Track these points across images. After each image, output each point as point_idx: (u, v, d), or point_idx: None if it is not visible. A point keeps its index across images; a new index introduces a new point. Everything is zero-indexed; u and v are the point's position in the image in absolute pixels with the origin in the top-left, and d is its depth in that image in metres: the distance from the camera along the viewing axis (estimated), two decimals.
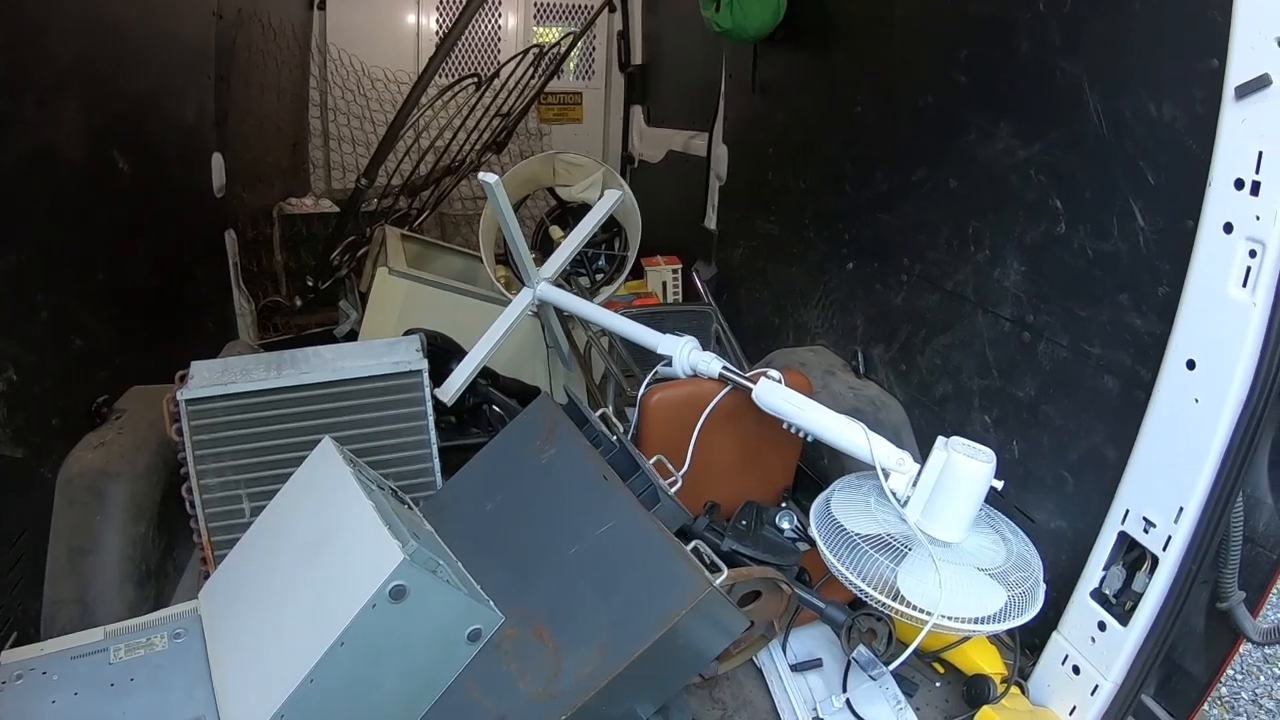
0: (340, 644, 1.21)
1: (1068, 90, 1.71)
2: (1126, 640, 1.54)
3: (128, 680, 1.41)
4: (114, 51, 2.36)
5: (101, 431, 1.95)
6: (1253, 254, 1.31)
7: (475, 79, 3.85)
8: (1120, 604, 1.59)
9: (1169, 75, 1.49)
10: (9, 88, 1.82)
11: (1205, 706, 1.63)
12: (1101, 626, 1.60)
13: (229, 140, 3.30)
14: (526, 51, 4.01)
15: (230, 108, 3.37)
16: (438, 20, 4.74)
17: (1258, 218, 1.29)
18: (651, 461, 1.65)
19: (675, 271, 3.59)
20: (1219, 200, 1.36)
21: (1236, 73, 1.30)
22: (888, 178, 2.31)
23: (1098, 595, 1.63)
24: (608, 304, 2.76)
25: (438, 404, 2.10)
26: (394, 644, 1.25)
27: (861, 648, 1.58)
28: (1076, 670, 1.65)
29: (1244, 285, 1.32)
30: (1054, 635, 1.70)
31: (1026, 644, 1.77)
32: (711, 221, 3.53)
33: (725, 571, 1.31)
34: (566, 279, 3.40)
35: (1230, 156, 1.33)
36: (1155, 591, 1.50)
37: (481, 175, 2.11)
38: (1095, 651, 1.61)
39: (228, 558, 1.60)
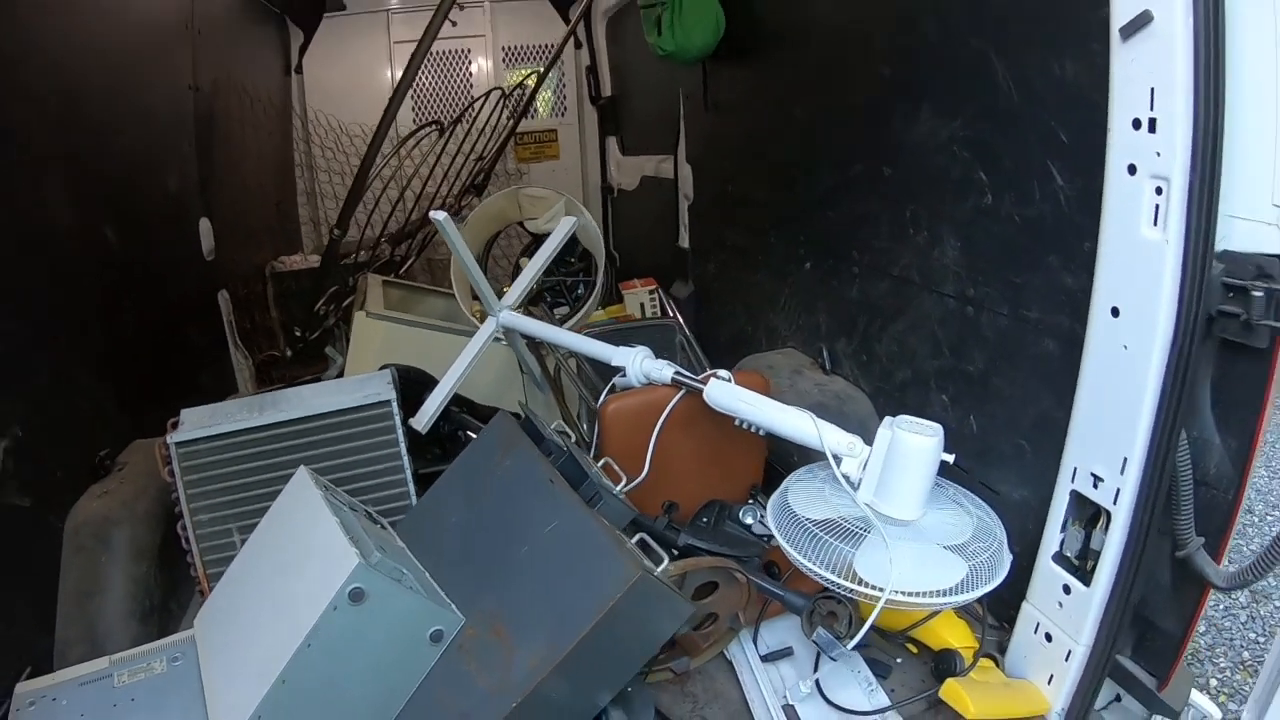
0: (308, 645, 1.34)
1: (976, 63, 1.79)
2: (1092, 600, 1.56)
3: (129, 701, 1.56)
4: (94, 130, 2.55)
5: (105, 482, 2.12)
6: (1159, 190, 1.33)
7: (437, 125, 4.00)
8: (1082, 564, 1.61)
9: (1066, 32, 1.55)
10: (2, 178, 1.98)
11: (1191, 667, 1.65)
12: (1067, 590, 1.62)
13: (215, 205, 3.49)
14: (488, 94, 4.17)
15: (213, 174, 3.56)
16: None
17: (1158, 154, 1.32)
18: (599, 464, 1.74)
19: (652, 292, 3.72)
20: (1120, 143, 1.38)
21: (1119, 13, 1.34)
22: (830, 175, 2.44)
23: (1059, 558, 1.65)
24: (583, 328, 2.87)
25: (422, 434, 2.26)
26: (358, 644, 1.37)
27: (821, 630, 1.65)
28: (1049, 638, 1.66)
29: (1154, 224, 1.34)
30: (1023, 605, 1.72)
31: (1004, 618, 1.81)
32: (685, 240, 3.66)
33: (666, 560, 1.40)
34: (551, 308, 3.53)
35: (1125, 98, 1.36)
36: (1112, 547, 1.51)
37: (431, 213, 2.24)
38: (1064, 616, 1.63)
39: (217, 585, 1.75)
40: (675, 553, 1.74)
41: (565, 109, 5.14)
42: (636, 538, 1.44)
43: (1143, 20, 1.29)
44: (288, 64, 5.02)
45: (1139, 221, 1.37)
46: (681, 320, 2.69)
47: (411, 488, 2.08)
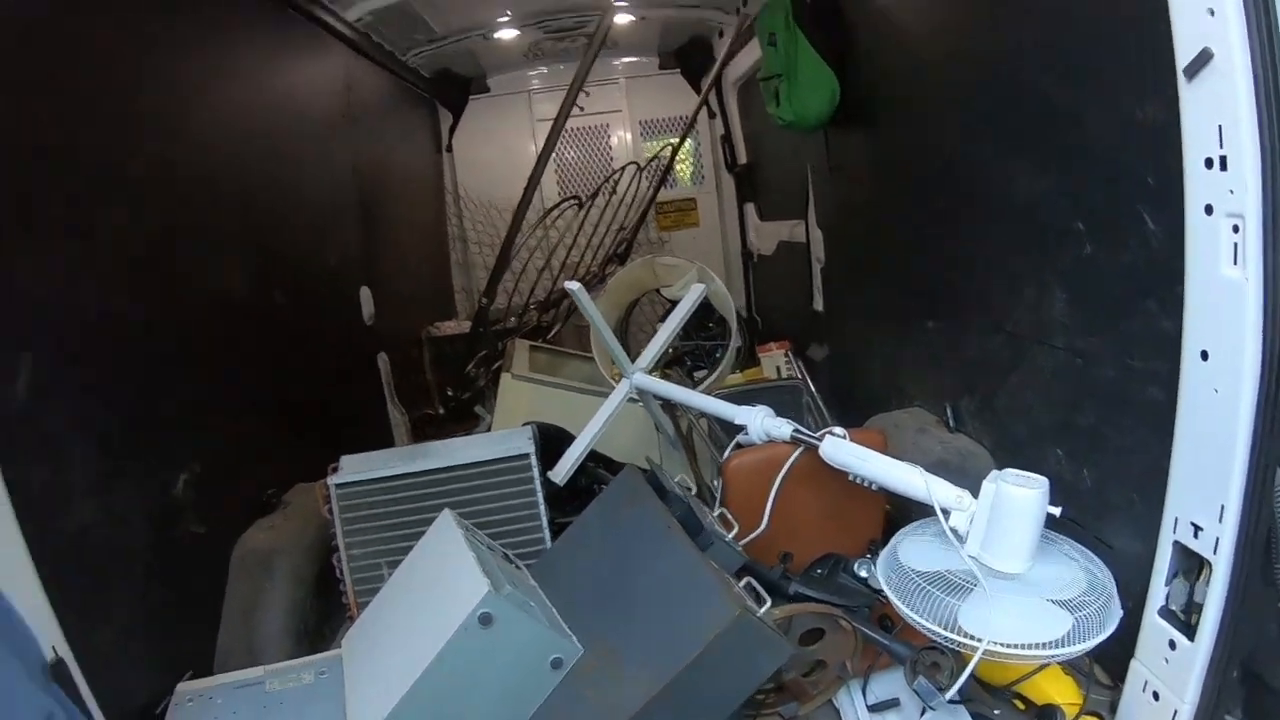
0: (439, 661, 1.50)
1: (1070, 115, 1.83)
2: (1196, 656, 1.50)
3: (278, 704, 1.78)
4: (269, 209, 2.93)
5: (271, 517, 2.41)
6: (1235, 229, 1.32)
7: (576, 200, 4.27)
8: (1187, 619, 1.56)
9: (1147, 78, 1.55)
10: (193, 249, 2.36)
11: None
12: (1172, 645, 1.58)
13: (375, 275, 3.85)
14: (623, 169, 4.41)
15: (373, 247, 3.95)
16: (555, 155, 5.27)
17: (1231, 192, 1.31)
18: (715, 514, 1.86)
19: (787, 355, 3.81)
20: (1196, 183, 1.38)
21: (1182, 53, 1.35)
22: (943, 233, 2.50)
23: (1164, 613, 1.60)
24: (716, 390, 3.01)
25: (560, 486, 2.43)
26: (484, 665, 1.52)
27: (922, 680, 1.68)
28: (1156, 696, 1.62)
29: (1234, 263, 1.33)
30: (1132, 662, 1.69)
31: (1118, 676, 1.77)
32: (819, 304, 3.75)
33: (768, 603, 1.50)
34: (690, 372, 3.69)
35: (1196, 137, 1.36)
36: (1214, 599, 1.46)
37: (566, 284, 2.45)
38: (1169, 673, 1.59)
39: (364, 611, 1.95)
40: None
41: (703, 177, 5.38)
42: (744, 581, 1.54)
43: (1204, 58, 1.31)
44: (439, 143, 5.49)
45: (1219, 261, 1.36)
46: (810, 381, 2.78)
47: (547, 534, 2.24)
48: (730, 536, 1.77)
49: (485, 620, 1.49)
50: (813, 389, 2.70)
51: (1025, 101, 2.02)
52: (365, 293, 3.73)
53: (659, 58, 5.45)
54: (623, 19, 4.71)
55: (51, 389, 1.77)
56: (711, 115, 5.18)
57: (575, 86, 3.64)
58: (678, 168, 5.35)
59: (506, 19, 4.63)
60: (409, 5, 4.03)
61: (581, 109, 4.25)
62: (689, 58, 5.28)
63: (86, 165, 1.96)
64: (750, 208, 5.05)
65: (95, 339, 1.96)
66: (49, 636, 1.54)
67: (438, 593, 1.65)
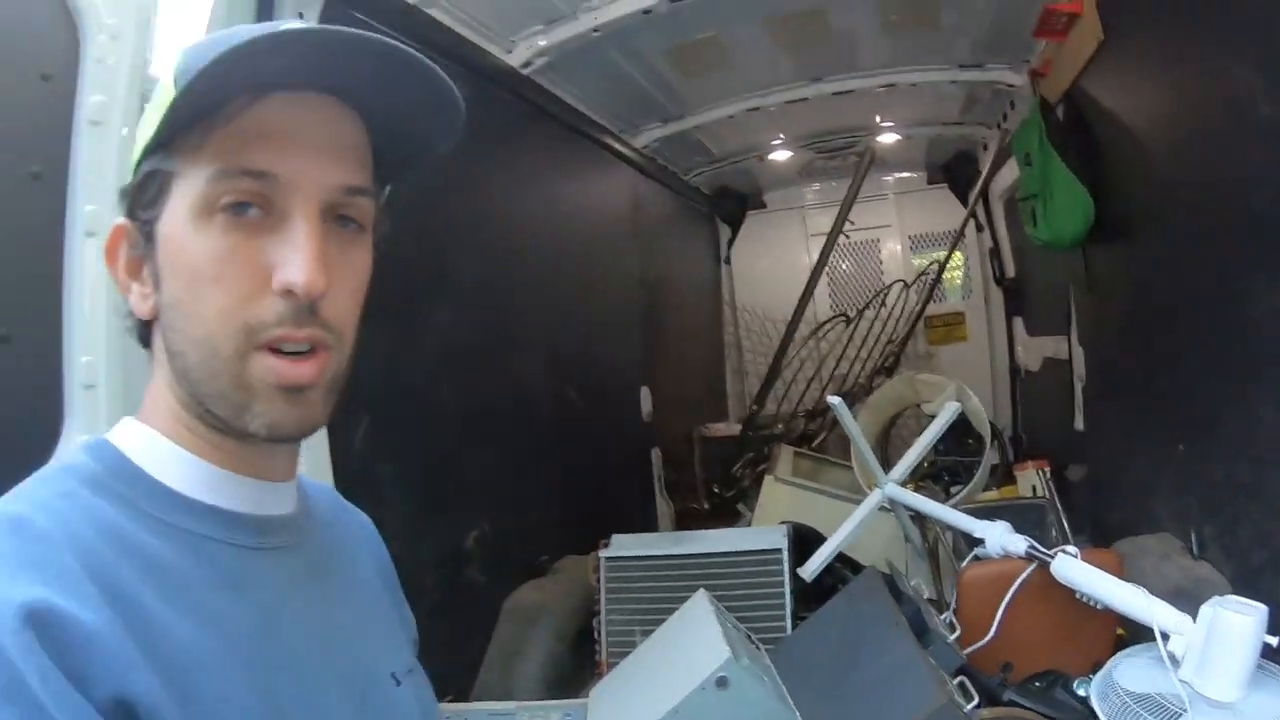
0: (674, 713, 1.78)
1: None
2: None
3: None
4: (564, 315, 3.53)
5: (541, 580, 2.88)
6: None
7: (844, 317, 4.58)
8: None
9: None
10: (500, 344, 2.92)
11: None
12: None
13: (654, 377, 4.36)
14: (890, 286, 4.68)
15: (654, 351, 4.48)
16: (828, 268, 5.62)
17: None
18: (942, 617, 2.08)
19: (1043, 473, 3.85)
20: None
21: None
22: (1195, 356, 2.53)
23: None
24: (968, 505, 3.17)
25: (808, 582, 2.68)
26: None
27: None
28: None
29: None
30: None
31: None
32: (1079, 423, 3.77)
33: (977, 699, 1.71)
34: (948, 486, 3.85)
35: None
36: None
37: (828, 398, 2.76)
38: None
39: (614, 668, 2.28)
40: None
41: (971, 291, 5.48)
42: (958, 680, 1.75)
43: None
44: (718, 256, 6.00)
45: None
46: (1057, 500, 2.88)
47: (789, 624, 2.49)
48: (952, 639, 1.98)
49: (722, 683, 1.76)
50: (1059, 508, 2.80)
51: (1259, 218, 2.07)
52: (645, 392, 4.24)
53: (926, 172, 5.69)
54: (889, 139, 5.03)
55: (380, 444, 2.34)
56: (979, 229, 5.29)
57: (843, 212, 4.00)
58: (946, 281, 5.51)
59: (780, 141, 5.11)
60: (690, 133, 4.57)
61: (853, 223, 4.60)
62: (956, 172, 5.44)
63: (422, 272, 2.58)
64: (1018, 322, 5.07)
65: (416, 411, 2.56)
66: None
67: (682, 656, 1.94)
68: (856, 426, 2.83)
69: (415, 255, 2.52)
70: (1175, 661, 1.72)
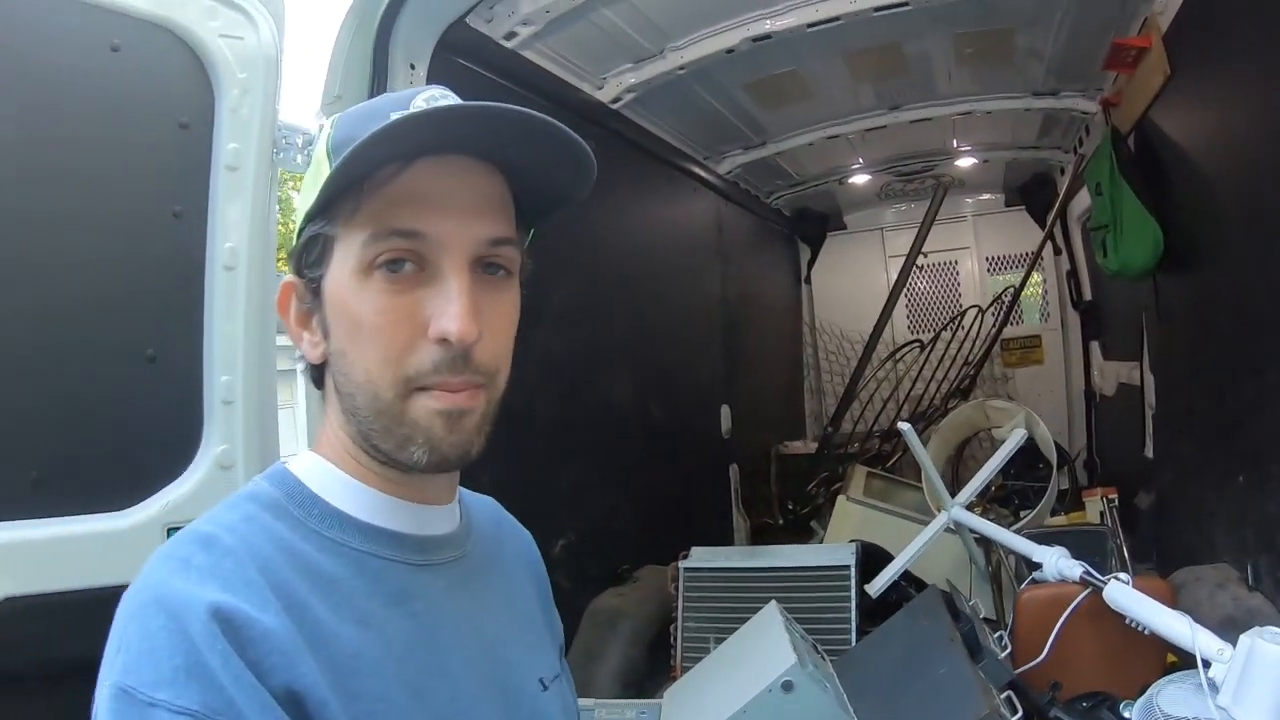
0: (743, 712, 1.99)
1: None
2: None
3: None
4: (652, 337, 3.77)
5: (621, 587, 3.13)
6: None
7: (918, 344, 4.70)
8: None
9: None
10: (589, 363, 3.16)
11: None
12: None
13: (734, 395, 4.56)
14: (964, 312, 4.78)
15: (735, 370, 4.68)
16: (906, 285, 5.70)
17: None
18: (995, 635, 2.22)
19: (1111, 501, 3.91)
20: None
21: None
22: (1257, 388, 2.58)
23: None
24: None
25: (873, 598, 2.87)
26: None
27: None
28: None
29: None
30: None
31: None
32: (1149, 450, 3.83)
33: (1021, 713, 1.86)
34: (1017, 510, 3.94)
35: None
36: None
37: (899, 424, 2.93)
38: None
39: (689, 672, 2.50)
40: None
41: (1048, 314, 5.52)
42: (1005, 695, 1.91)
43: None
44: (798, 276, 6.14)
45: None
46: (1119, 528, 2.98)
47: (853, 637, 2.67)
48: (1003, 655, 2.13)
49: (788, 687, 1.96)
50: (1119, 536, 2.90)
51: None
52: (725, 410, 4.44)
53: (1005, 195, 5.75)
54: (966, 162, 5.14)
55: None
56: (1057, 252, 5.33)
57: (919, 241, 4.12)
58: (1024, 303, 5.54)
59: (859, 165, 5.27)
60: (771, 158, 4.77)
61: (925, 255, 4.71)
62: (1033, 194, 5.48)
63: (526, 298, 2.81)
64: (1095, 346, 5.09)
65: (512, 423, 2.78)
66: None
67: (752, 661, 2.14)
68: (925, 452, 2.99)
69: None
70: (1215, 688, 1.80)
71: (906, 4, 2.97)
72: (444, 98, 0.80)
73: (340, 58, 2.20)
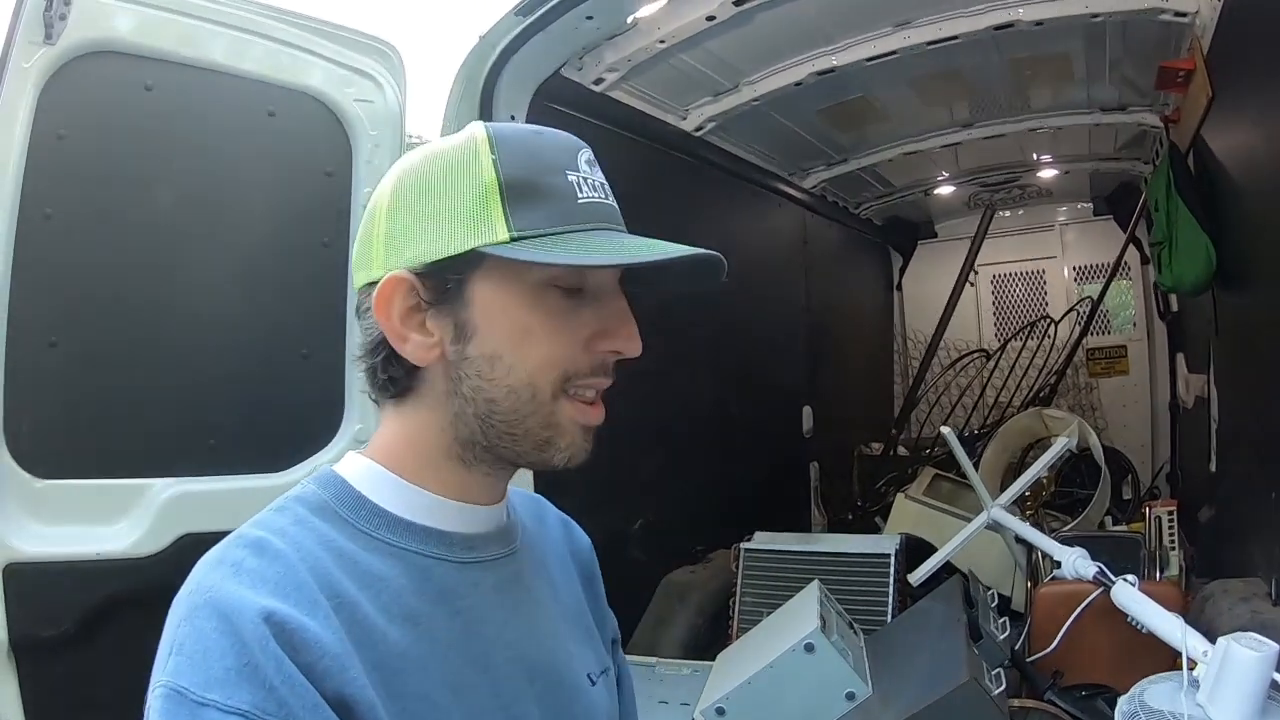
0: (770, 667, 2.35)
1: None
2: None
3: (659, 680, 2.80)
4: (734, 339, 4.08)
5: (694, 566, 3.53)
6: None
7: (983, 353, 4.91)
8: None
9: None
10: (670, 361, 3.49)
11: None
12: None
13: (817, 396, 4.88)
14: (1034, 323, 4.96)
15: (817, 372, 4.97)
16: (992, 293, 5.89)
17: None
18: (1000, 620, 2.53)
19: (1170, 513, 4.03)
20: None
21: None
22: None
23: None
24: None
25: (914, 588, 3.18)
26: (799, 680, 2.32)
27: None
28: None
29: None
30: None
31: None
32: (1213, 464, 3.91)
33: (1004, 685, 2.17)
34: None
35: None
36: None
37: (942, 428, 3.23)
38: None
39: (738, 639, 2.87)
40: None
41: (1134, 324, 5.57)
42: (996, 671, 2.22)
43: None
44: (889, 283, 6.32)
45: None
46: (1165, 539, 3.17)
47: (889, 618, 2.99)
48: (1002, 638, 2.43)
49: (809, 649, 2.32)
50: (1150, 545, 3.12)
51: None
52: (807, 410, 4.76)
53: (1093, 203, 5.79)
54: (1048, 173, 5.29)
55: None
56: (1145, 261, 5.33)
57: (970, 257, 4.34)
58: (1112, 313, 5.62)
59: (943, 178, 5.49)
60: (855, 173, 5.03)
61: (976, 273, 4.88)
62: (1120, 204, 5.48)
63: None
64: (1180, 358, 5.07)
65: (606, 413, 3.16)
66: None
67: (786, 628, 2.49)
68: (964, 453, 3.30)
69: None
70: (1195, 685, 1.89)
71: (956, 38, 3.24)
72: (595, 164, 0.85)
73: (451, 116, 2.66)
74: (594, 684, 0.96)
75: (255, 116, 2.27)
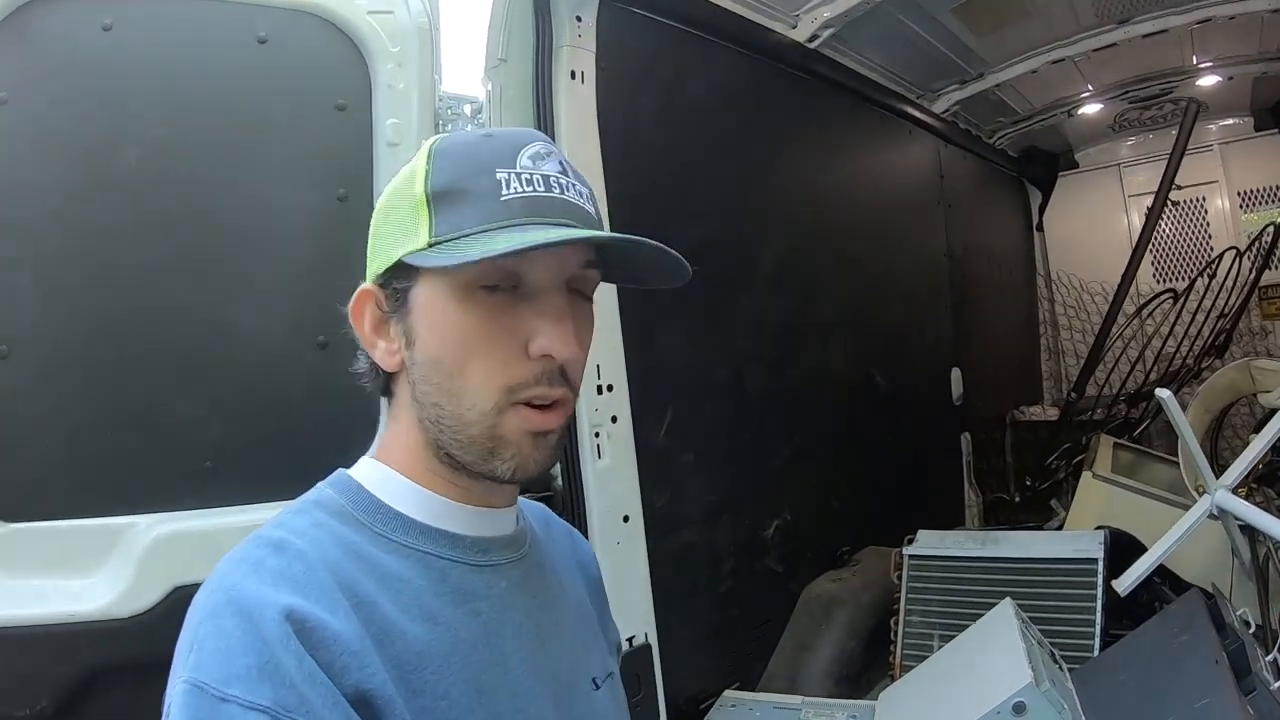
0: None
1: None
2: None
3: None
4: (872, 298, 3.59)
5: (840, 571, 3.00)
6: None
7: (1172, 293, 4.18)
8: None
9: None
10: (802, 328, 3.03)
11: None
12: None
13: (964, 357, 4.31)
14: (1221, 255, 4.21)
15: (964, 330, 4.40)
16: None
17: None
18: (1268, 658, 1.88)
19: None
20: None
21: None
22: None
23: None
24: None
25: (1121, 597, 2.56)
26: None
27: None
28: None
29: None
30: None
31: None
32: None
33: None
34: None
35: None
36: None
37: (1157, 391, 2.58)
38: None
39: (908, 673, 2.36)
40: None
41: None
42: None
43: None
44: (1029, 223, 5.70)
45: None
46: None
47: (1097, 641, 2.44)
48: (1276, 686, 1.79)
49: (1019, 709, 1.80)
50: None
51: None
52: (955, 374, 4.18)
53: (1254, 117, 5.08)
54: (1207, 81, 4.60)
55: (682, 435, 2.51)
56: None
57: (1169, 174, 3.64)
58: None
59: (1089, 93, 4.83)
60: (990, 92, 4.44)
61: (1180, 187, 4.20)
62: None
63: (724, 262, 2.69)
64: None
65: (718, 400, 2.68)
66: (643, 624, 2.21)
67: (981, 672, 1.99)
68: (1188, 425, 2.63)
69: (717, 247, 2.64)
70: None
71: None
72: (546, 157, 0.83)
73: (501, 18, 2.15)
74: (599, 688, 0.98)
75: (241, 47, 1.86)
